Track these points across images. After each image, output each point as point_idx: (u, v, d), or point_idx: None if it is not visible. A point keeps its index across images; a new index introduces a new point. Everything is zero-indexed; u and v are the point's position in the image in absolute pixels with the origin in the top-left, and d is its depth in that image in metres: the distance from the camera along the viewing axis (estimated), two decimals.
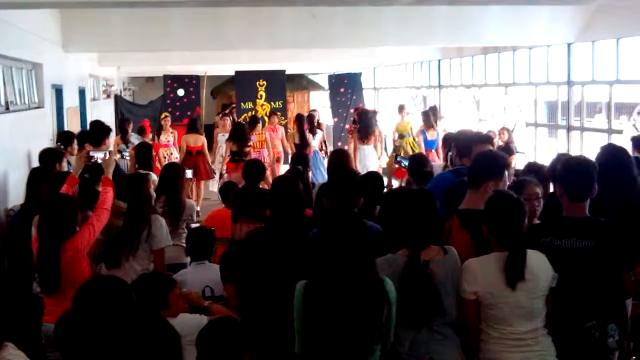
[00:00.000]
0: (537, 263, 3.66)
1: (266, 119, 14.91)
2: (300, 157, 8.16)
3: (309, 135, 12.64)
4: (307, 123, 12.82)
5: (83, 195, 5.61)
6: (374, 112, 13.29)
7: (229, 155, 10.90)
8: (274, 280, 3.86)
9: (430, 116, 12.01)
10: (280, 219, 4.65)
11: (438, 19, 10.81)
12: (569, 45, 11.43)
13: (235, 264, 4.16)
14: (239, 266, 4.07)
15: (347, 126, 15.50)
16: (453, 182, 4.99)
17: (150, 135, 12.81)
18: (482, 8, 10.54)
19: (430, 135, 11.83)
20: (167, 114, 14.42)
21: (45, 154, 6.89)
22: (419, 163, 6.52)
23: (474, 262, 3.74)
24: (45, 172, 6.24)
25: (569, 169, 4.06)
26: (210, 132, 14.52)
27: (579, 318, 3.77)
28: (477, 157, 4.50)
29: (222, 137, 12.81)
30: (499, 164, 4.28)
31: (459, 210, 4.17)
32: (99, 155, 6.12)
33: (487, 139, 5.88)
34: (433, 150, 11.46)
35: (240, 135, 10.84)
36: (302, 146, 12.19)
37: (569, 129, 11.74)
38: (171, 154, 12.55)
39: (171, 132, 13.15)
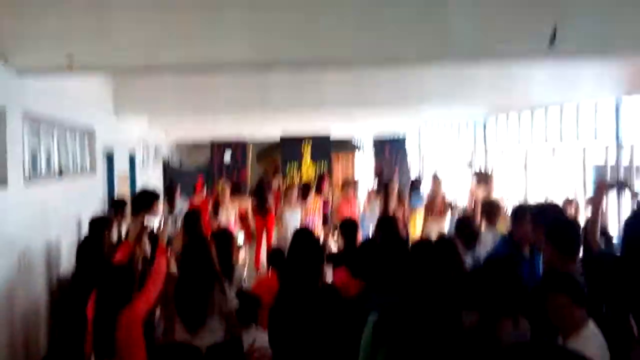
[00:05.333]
0: None
1: (312, 184, 14.97)
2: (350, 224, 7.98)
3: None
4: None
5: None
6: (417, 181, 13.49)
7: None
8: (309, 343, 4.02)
9: (483, 177, 12.05)
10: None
11: (481, 77, 10.79)
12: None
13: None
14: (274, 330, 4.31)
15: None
16: None
17: (204, 193, 12.80)
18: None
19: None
20: (225, 186, 11.94)
21: (93, 222, 6.97)
22: (465, 224, 6.51)
23: None
24: (92, 243, 6.37)
25: None
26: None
27: None
28: None
29: (289, 216, 11.22)
30: None
31: None
32: (153, 224, 6.21)
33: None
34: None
35: (260, 192, 12.96)
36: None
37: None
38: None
39: (232, 209, 11.43)
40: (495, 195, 11.00)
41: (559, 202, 10.32)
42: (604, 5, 6.10)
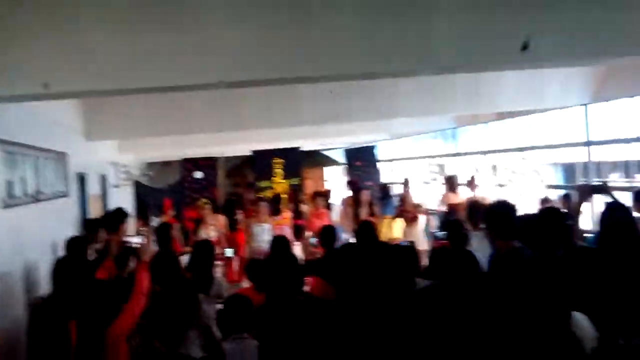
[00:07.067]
0: None
1: (284, 196, 14.90)
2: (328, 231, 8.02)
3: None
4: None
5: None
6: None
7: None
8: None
9: (454, 182, 12.19)
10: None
11: (452, 87, 10.88)
12: (585, 106, 11.48)
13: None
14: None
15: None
16: None
17: (171, 213, 12.73)
18: (497, 74, 10.59)
19: None
20: (207, 201, 12.02)
21: (71, 241, 6.89)
22: (455, 227, 6.63)
23: None
24: (72, 262, 6.25)
25: None
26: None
27: None
28: None
29: (259, 229, 11.06)
30: None
31: None
32: (134, 241, 6.20)
33: None
34: None
35: (228, 210, 12.21)
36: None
37: None
38: None
39: (212, 227, 11.07)
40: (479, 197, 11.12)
41: (535, 203, 10.58)
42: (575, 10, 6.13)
